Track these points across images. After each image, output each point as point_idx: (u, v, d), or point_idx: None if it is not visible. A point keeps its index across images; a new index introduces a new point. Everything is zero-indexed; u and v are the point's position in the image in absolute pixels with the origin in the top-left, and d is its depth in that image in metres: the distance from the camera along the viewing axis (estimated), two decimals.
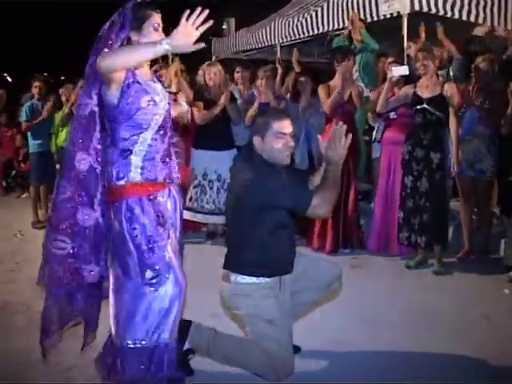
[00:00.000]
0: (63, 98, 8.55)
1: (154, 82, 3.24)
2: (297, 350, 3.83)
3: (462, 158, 6.01)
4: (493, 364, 3.82)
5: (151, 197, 3.16)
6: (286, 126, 3.57)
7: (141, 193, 3.13)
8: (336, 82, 6.53)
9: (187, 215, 6.87)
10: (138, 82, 3.07)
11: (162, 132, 3.20)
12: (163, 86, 3.36)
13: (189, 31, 2.72)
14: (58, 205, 3.21)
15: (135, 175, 3.11)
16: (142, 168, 3.12)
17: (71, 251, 3.20)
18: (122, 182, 3.11)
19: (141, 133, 3.10)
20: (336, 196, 3.47)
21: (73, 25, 31.63)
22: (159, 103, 3.16)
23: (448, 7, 7.32)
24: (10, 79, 33.00)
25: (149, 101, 3.09)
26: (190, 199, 6.94)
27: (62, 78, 36.60)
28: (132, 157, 3.10)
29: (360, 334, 4.29)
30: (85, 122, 3.16)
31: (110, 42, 3.02)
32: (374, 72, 7.88)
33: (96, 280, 3.32)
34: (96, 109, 3.15)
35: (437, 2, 7.22)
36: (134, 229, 3.10)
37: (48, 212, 8.21)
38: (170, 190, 3.29)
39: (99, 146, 3.19)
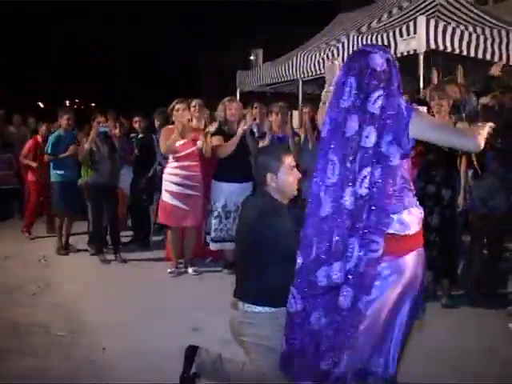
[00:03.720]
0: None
1: None
2: None
3: (475, 195, 6.12)
4: None
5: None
6: (292, 159, 3.80)
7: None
8: None
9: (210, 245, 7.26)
10: None
11: None
12: None
13: None
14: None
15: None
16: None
17: None
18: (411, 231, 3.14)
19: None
20: None
21: (103, 52, 32.35)
22: None
23: (464, 46, 7.50)
24: (42, 105, 33.60)
25: None
26: (210, 229, 7.18)
27: (93, 104, 37.34)
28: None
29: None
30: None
31: (392, 88, 3.06)
32: None
33: None
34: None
35: (453, 40, 7.41)
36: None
37: (68, 239, 8.47)
38: None
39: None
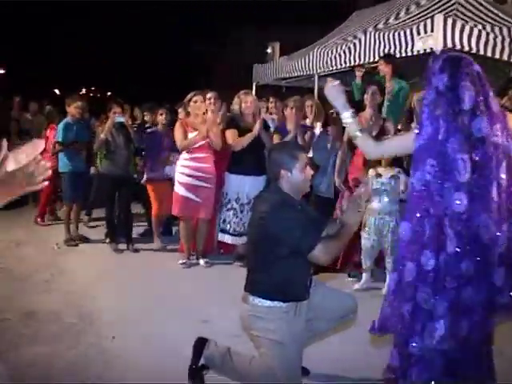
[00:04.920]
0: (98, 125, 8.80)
1: None
2: (306, 372, 4.00)
3: None
4: None
5: None
6: (306, 157, 3.86)
7: None
8: (366, 114, 6.63)
9: (220, 237, 7.33)
10: None
11: None
12: None
13: None
14: None
15: None
16: None
17: None
18: None
19: None
20: (340, 250, 3.71)
21: (103, 52, 32.33)
22: None
23: (481, 45, 7.46)
24: (58, 92, 33.62)
25: None
26: (224, 221, 7.20)
27: (109, 93, 37.24)
28: None
29: (375, 360, 4.36)
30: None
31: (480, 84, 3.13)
32: (399, 108, 7.91)
33: None
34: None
35: (470, 40, 7.36)
36: None
37: (77, 227, 8.48)
38: None
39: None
